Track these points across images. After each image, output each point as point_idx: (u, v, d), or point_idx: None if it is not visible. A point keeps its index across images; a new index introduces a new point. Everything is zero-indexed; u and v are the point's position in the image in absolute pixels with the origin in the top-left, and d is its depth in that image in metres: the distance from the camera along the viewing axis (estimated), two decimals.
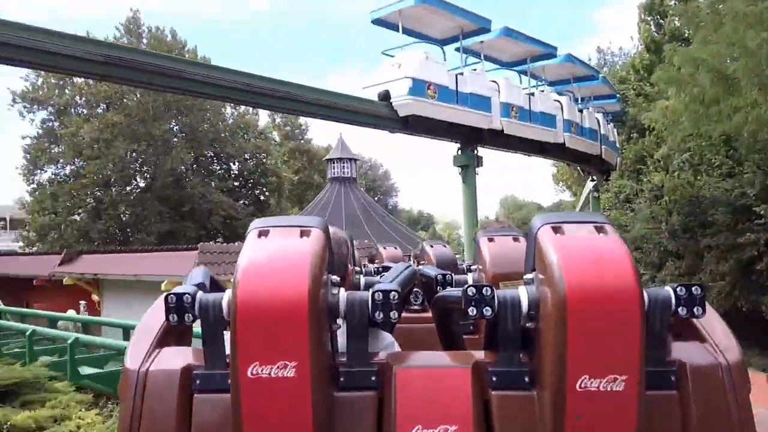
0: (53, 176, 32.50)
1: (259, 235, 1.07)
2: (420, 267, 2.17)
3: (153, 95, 28.54)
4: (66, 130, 30.79)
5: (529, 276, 1.09)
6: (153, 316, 1.22)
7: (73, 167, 32.16)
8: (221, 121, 33.58)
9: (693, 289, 1.05)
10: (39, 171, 32.59)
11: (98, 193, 31.83)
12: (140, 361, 1.11)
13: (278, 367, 0.95)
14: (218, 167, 35.04)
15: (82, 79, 28.74)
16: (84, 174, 30.71)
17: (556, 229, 1.03)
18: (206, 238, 25.46)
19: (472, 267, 2.01)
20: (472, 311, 1.03)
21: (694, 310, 1.04)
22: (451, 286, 1.73)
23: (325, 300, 1.03)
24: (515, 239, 1.75)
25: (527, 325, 1.05)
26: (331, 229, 1.25)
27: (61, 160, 32.32)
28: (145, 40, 31.52)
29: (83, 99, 32.19)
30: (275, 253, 1.03)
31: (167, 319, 1.09)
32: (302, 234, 1.07)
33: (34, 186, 32.61)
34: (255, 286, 0.98)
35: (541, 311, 1.01)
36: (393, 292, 1.07)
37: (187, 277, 1.28)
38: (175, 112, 31.65)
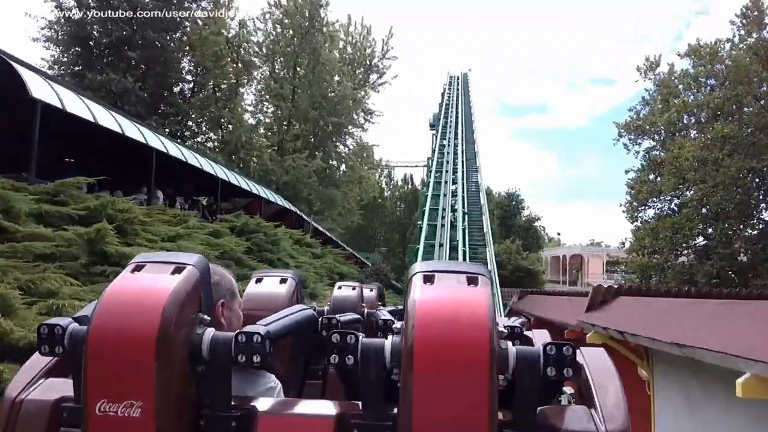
0: (657, 211, 28.92)
1: (133, 270, 1.09)
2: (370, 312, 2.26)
3: None
4: (667, 154, 26.83)
5: (397, 325, 1.07)
6: None
7: (676, 197, 27.68)
8: None
9: (564, 348, 0.99)
10: (642, 207, 29.67)
11: (706, 227, 26.06)
12: (19, 390, 1.13)
13: (125, 406, 0.95)
14: None
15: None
16: (686, 203, 25.71)
17: (427, 278, 1.03)
18: None
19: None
20: (334, 359, 1.02)
21: (564, 371, 0.98)
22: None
23: (184, 339, 1.03)
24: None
25: (393, 376, 1.03)
26: (213, 267, 1.33)
27: (663, 191, 28.35)
28: None
29: (689, 115, 27.64)
30: (138, 289, 1.04)
31: (39, 350, 1.08)
32: (175, 271, 1.07)
33: (638, 224, 29.82)
34: (108, 321, 0.98)
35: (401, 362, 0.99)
36: (256, 335, 1.06)
37: None
38: None
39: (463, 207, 29.84)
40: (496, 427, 0.91)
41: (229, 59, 26.07)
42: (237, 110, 26.21)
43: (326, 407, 1.12)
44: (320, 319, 1.66)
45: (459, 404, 0.89)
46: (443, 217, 27.61)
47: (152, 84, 24.87)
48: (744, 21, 24.79)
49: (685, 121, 28.64)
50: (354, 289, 2.68)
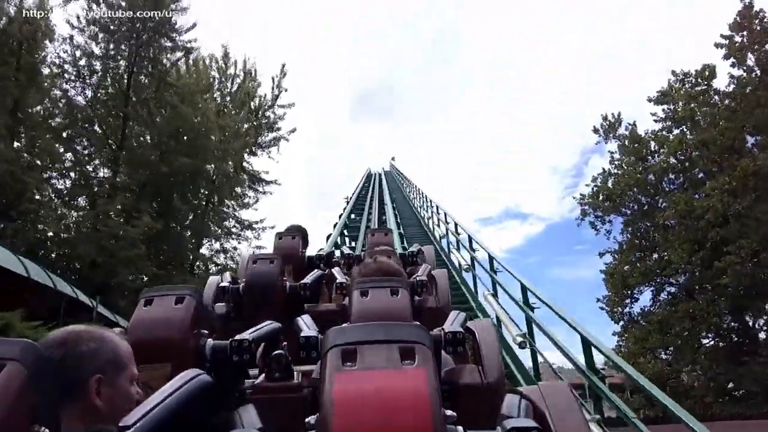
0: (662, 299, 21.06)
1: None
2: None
3: None
4: (669, 212, 19.64)
5: (311, 419, 0.90)
6: None
7: (690, 272, 20.08)
8: None
9: None
10: (629, 298, 21.95)
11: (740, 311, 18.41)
12: None
13: None
14: None
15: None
16: (707, 279, 18.18)
17: (347, 355, 0.84)
18: None
19: None
20: None
21: None
22: None
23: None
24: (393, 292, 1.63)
25: None
26: (90, 332, 1.19)
27: (666, 267, 20.84)
28: None
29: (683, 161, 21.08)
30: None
31: None
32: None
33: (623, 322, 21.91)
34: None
35: None
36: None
37: None
38: None
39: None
40: None
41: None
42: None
43: None
44: (230, 343, 1.51)
45: None
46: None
47: None
48: (739, 37, 19.35)
49: (671, 177, 22.01)
50: (272, 262, 2.55)
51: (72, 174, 16.77)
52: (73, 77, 17.11)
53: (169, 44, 17.73)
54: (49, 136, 15.68)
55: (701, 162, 20.53)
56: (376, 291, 1.65)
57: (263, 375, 1.73)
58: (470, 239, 9.35)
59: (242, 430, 0.93)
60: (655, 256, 22.01)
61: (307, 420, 0.89)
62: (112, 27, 16.92)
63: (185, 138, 17.18)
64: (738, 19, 19.45)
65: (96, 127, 17.22)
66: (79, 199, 16.94)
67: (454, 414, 0.87)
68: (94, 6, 16.83)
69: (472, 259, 8.66)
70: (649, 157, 23.00)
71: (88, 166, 17.01)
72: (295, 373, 1.74)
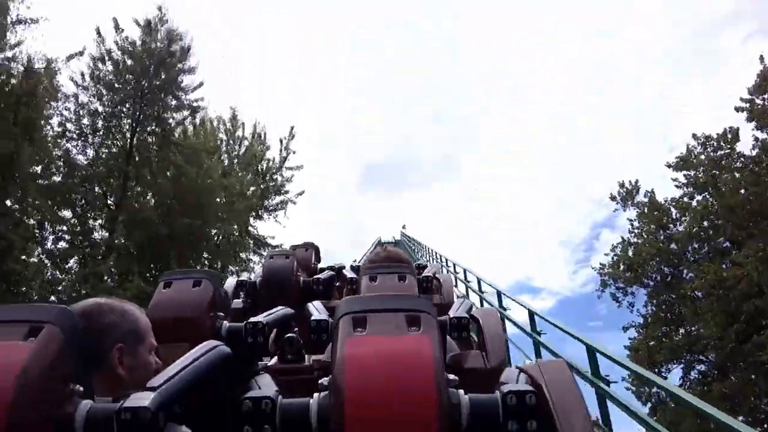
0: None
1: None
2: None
3: None
4: (699, 282, 18.46)
5: (324, 380, 0.94)
6: None
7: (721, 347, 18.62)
8: None
9: (527, 397, 0.86)
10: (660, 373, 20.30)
11: None
12: None
13: None
14: None
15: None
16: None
17: (357, 323, 0.90)
18: None
19: None
20: (247, 430, 0.86)
21: (527, 424, 0.85)
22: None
23: (46, 426, 0.85)
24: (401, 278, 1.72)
25: None
26: (111, 304, 1.28)
27: (694, 342, 19.46)
28: None
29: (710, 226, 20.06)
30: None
31: None
32: (29, 334, 0.89)
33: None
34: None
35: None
36: (144, 410, 0.92)
37: None
38: None
39: None
40: None
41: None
42: None
43: None
44: (245, 325, 1.52)
45: None
46: None
47: None
48: (760, 100, 18.82)
49: (695, 245, 20.95)
50: (287, 257, 2.68)
51: (66, 236, 15.86)
52: (75, 135, 16.57)
53: (174, 103, 17.28)
54: (44, 194, 14.90)
55: (728, 229, 19.53)
56: (384, 276, 1.70)
57: (275, 357, 1.79)
58: (499, 295, 8.73)
59: (260, 390, 0.92)
60: (682, 330, 20.72)
61: (320, 381, 0.91)
62: (117, 85, 16.54)
63: (187, 199, 16.30)
64: (758, 80, 19.01)
65: (96, 187, 16.49)
66: (71, 262, 15.96)
67: (456, 378, 0.89)
68: (100, 64, 16.54)
69: (502, 317, 7.80)
70: (671, 225, 22.09)
71: (85, 226, 16.09)
72: (306, 356, 1.79)
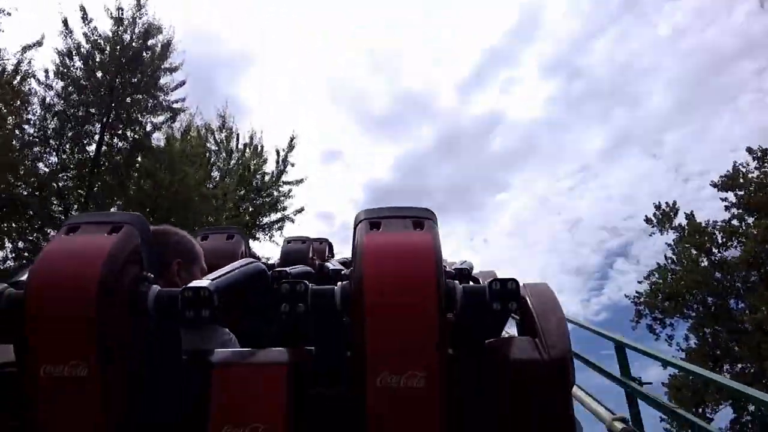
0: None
1: (68, 231, 1.04)
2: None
3: None
4: (749, 317, 15.77)
5: (346, 271, 1.14)
6: None
7: None
8: None
9: (508, 283, 0.99)
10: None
11: None
12: None
13: (70, 366, 0.90)
14: None
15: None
16: None
17: (373, 225, 1.04)
18: None
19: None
20: (284, 307, 0.99)
21: (509, 304, 0.99)
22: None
23: (126, 296, 0.99)
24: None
25: (345, 319, 1.01)
26: (173, 229, 1.53)
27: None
28: None
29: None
30: (74, 249, 0.99)
31: None
32: (112, 230, 1.02)
33: None
34: (46, 282, 0.94)
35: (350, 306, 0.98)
36: (203, 290, 1.00)
37: None
38: None
39: None
40: (446, 358, 0.91)
41: None
42: None
43: (280, 355, 1.12)
44: (271, 273, 1.59)
45: (410, 338, 0.90)
46: None
47: None
48: None
49: (742, 273, 18.27)
50: (304, 242, 2.74)
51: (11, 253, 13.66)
52: (37, 140, 14.47)
53: (151, 102, 15.13)
54: None
55: None
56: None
57: None
58: None
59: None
60: (726, 366, 18.03)
61: (343, 272, 1.10)
62: (84, 82, 14.44)
63: (159, 210, 14.06)
64: None
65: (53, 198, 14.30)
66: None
67: (453, 271, 1.08)
68: (67, 59, 14.48)
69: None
70: (715, 250, 19.47)
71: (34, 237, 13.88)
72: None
